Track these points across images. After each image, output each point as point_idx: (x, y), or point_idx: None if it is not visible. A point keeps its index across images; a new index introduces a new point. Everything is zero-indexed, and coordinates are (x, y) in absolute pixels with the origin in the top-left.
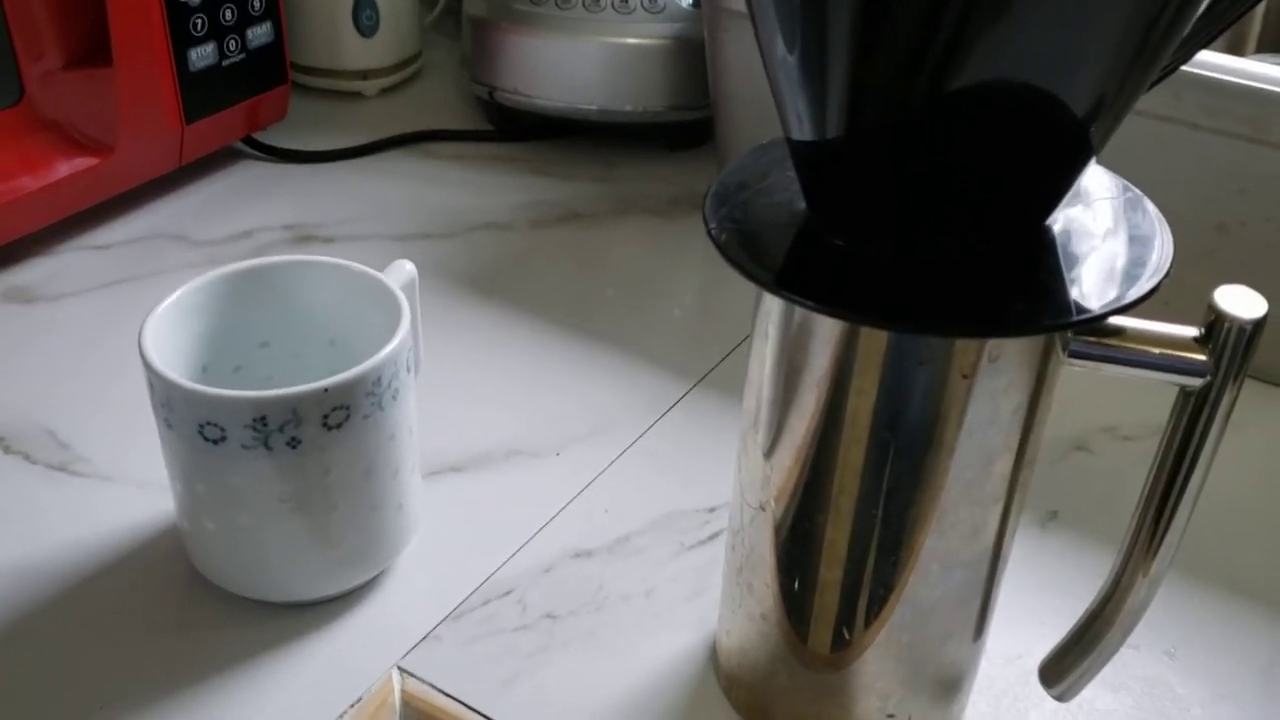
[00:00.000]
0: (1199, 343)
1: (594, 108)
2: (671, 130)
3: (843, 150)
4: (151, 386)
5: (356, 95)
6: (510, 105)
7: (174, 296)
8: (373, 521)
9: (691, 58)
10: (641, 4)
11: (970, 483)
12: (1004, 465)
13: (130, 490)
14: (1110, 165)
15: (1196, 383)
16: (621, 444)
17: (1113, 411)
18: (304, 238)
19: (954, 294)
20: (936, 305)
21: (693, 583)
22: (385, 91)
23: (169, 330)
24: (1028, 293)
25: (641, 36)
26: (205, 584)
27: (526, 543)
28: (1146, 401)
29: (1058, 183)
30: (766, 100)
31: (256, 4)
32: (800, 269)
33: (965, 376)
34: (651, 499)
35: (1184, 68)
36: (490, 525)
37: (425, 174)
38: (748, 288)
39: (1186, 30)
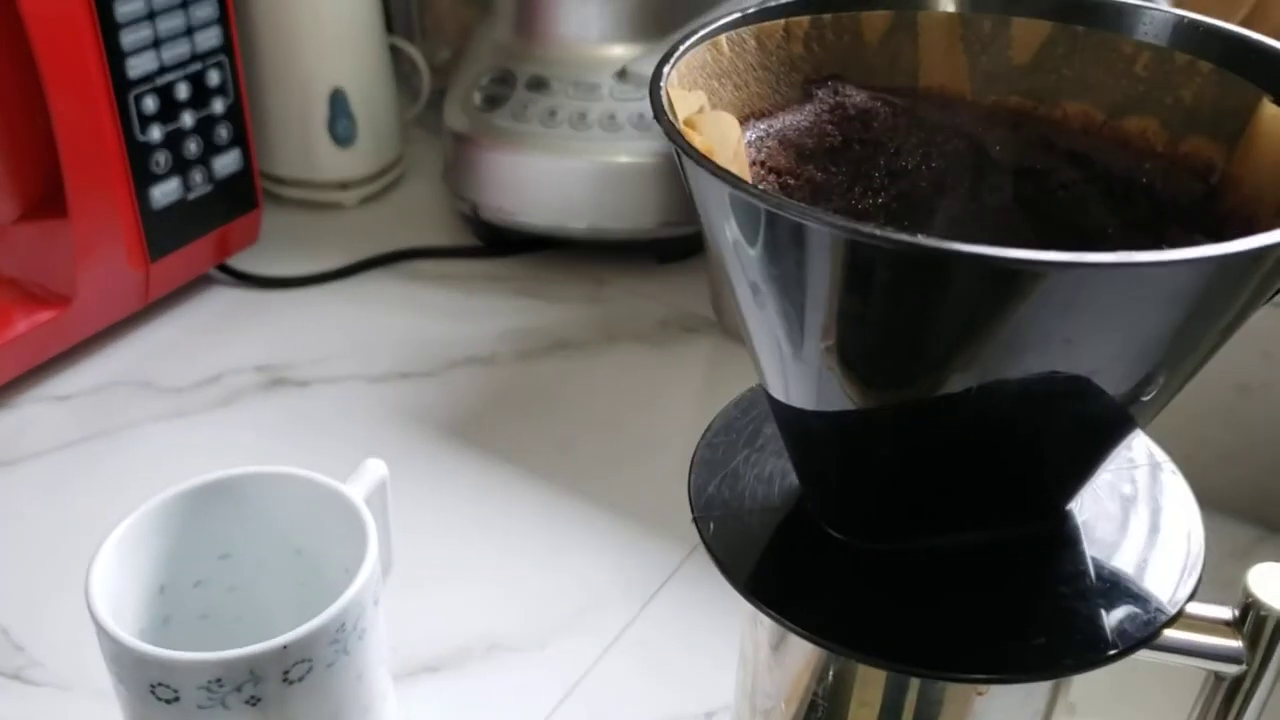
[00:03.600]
0: (1232, 626)
1: (583, 226)
2: (662, 245)
3: (832, 429)
4: (99, 639)
5: (335, 205)
6: (494, 222)
7: (125, 525)
8: None
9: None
10: (629, 121)
11: None
12: None
13: (90, 704)
14: None
15: (1231, 670)
16: (611, 632)
17: None
18: (276, 380)
19: (963, 617)
20: (943, 638)
21: None
22: (366, 200)
23: (121, 559)
24: (1048, 617)
25: (631, 155)
26: None
27: None
28: None
29: (1090, 465)
30: None
31: (223, 133)
32: (781, 572)
33: (980, 693)
34: (643, 702)
35: None
36: None
37: (406, 298)
38: None
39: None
